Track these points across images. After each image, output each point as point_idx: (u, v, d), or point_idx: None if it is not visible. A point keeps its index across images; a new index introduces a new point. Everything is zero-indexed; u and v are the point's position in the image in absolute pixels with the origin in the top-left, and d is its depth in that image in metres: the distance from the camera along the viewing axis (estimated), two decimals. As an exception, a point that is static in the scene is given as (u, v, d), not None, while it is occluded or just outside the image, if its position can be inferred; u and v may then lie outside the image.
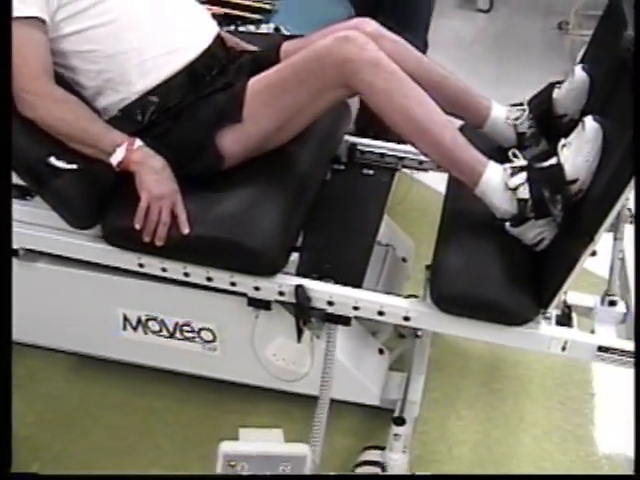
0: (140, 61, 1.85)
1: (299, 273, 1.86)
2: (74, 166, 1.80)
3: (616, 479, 2.08)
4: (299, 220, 1.92)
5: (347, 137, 2.33)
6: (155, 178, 1.76)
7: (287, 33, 3.07)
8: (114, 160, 1.76)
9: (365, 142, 2.35)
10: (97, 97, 1.88)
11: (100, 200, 1.87)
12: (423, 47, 3.31)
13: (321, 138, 2.05)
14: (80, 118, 1.78)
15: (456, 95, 1.95)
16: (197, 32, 1.97)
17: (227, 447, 0.56)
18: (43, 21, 1.76)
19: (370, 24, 1.96)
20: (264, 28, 3.17)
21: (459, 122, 1.97)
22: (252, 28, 3.18)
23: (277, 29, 3.13)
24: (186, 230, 1.75)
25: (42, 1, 1.75)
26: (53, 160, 1.78)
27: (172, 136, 1.84)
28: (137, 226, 1.77)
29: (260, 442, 0.61)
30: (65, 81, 1.85)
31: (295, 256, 1.87)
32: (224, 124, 1.82)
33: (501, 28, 5.15)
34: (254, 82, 1.82)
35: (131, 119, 1.87)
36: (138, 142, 1.78)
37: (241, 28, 3.16)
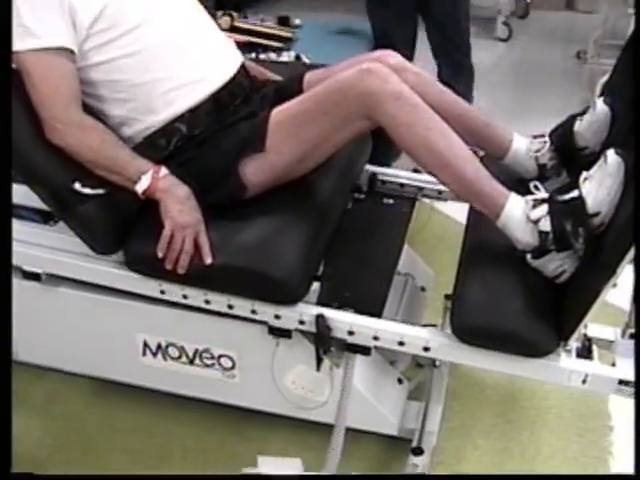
0: (165, 90, 1.87)
1: (320, 302, 1.87)
2: (100, 191, 1.81)
3: (616, 479, 2.07)
4: (320, 250, 1.93)
5: (368, 166, 2.34)
6: (179, 208, 1.77)
7: (307, 61, 3.11)
8: (139, 188, 1.78)
9: (385, 171, 2.36)
10: (122, 126, 1.90)
11: (123, 226, 1.88)
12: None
13: (342, 168, 2.07)
14: (107, 145, 1.80)
15: (478, 127, 1.96)
16: (222, 62, 1.99)
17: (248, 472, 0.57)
18: (72, 51, 1.79)
19: (393, 56, 1.97)
20: (285, 56, 3.21)
21: (480, 153, 1.98)
22: (273, 56, 3.22)
23: (298, 57, 3.17)
24: (209, 260, 1.77)
25: (71, 31, 1.78)
26: (78, 186, 1.79)
27: (196, 164, 1.86)
28: (160, 254, 1.78)
29: (279, 472, 0.61)
30: (90, 109, 1.87)
31: (316, 285, 1.88)
32: (247, 153, 1.83)
33: (519, 57, 5.18)
34: (277, 112, 1.84)
35: (155, 147, 1.89)
36: (163, 170, 1.80)
37: (262, 56, 3.21)
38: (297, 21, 3.57)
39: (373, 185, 2.34)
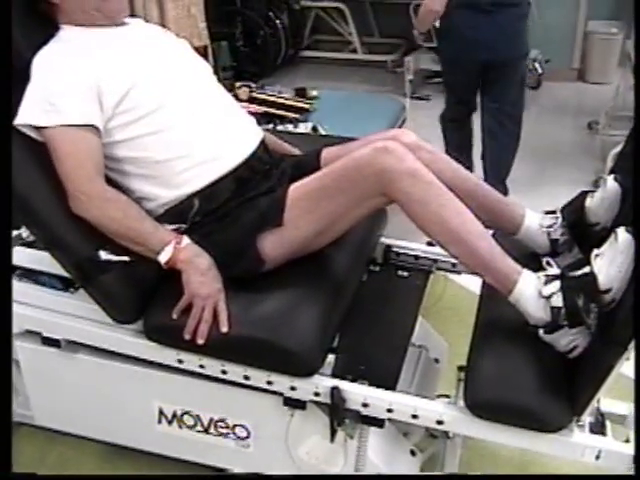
0: (186, 167, 1.92)
1: (334, 374, 1.88)
2: (124, 258, 1.85)
3: (616, 479, 2.04)
4: (336, 322, 1.95)
5: (383, 239, 2.37)
6: (201, 280, 1.80)
7: (324, 132, 3.17)
8: (162, 258, 1.81)
9: (400, 244, 2.39)
10: (143, 200, 1.94)
11: (143, 296, 1.91)
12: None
13: (358, 241, 2.10)
14: (129, 217, 1.83)
15: (491, 203, 1.99)
16: (243, 139, 2.04)
17: None
18: (97, 128, 1.84)
19: (408, 135, 2.02)
20: (302, 127, 3.27)
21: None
22: (290, 127, 3.27)
23: (315, 128, 3.22)
24: (225, 329, 1.79)
25: (97, 110, 1.84)
26: (102, 254, 1.83)
27: (216, 237, 1.89)
28: (174, 316, 1.81)
29: None
30: (113, 183, 1.91)
31: (331, 357, 1.90)
32: (265, 228, 1.87)
33: (531, 127, 5.21)
34: (295, 188, 1.88)
35: (175, 220, 1.93)
36: (186, 240, 1.84)
37: (279, 127, 3.26)
38: (314, 92, 3.64)
39: (388, 257, 2.37)
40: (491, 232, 1.89)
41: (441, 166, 1.93)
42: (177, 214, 1.94)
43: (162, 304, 1.88)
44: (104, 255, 1.83)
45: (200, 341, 1.80)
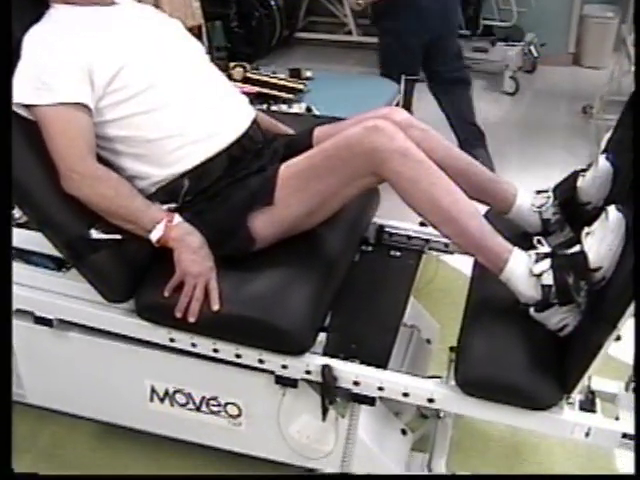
0: (178, 146, 1.91)
1: (326, 353, 1.89)
2: (116, 236, 1.85)
3: (616, 479, 2.05)
4: (328, 301, 1.95)
5: (375, 219, 2.37)
6: (192, 258, 1.80)
7: (318, 113, 3.16)
8: (153, 237, 1.81)
9: (392, 224, 2.39)
10: (135, 178, 1.94)
11: (135, 275, 1.91)
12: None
13: (350, 221, 2.10)
14: (121, 195, 1.83)
15: (482, 182, 1.99)
16: (235, 118, 2.03)
17: None
18: (88, 107, 1.84)
19: (400, 113, 2.02)
20: (296, 107, 3.26)
21: (484, 208, 2.01)
22: (284, 107, 3.26)
23: (309, 109, 3.22)
24: (216, 307, 1.79)
25: (88, 88, 1.83)
26: (94, 232, 1.83)
27: (207, 216, 1.89)
28: (166, 294, 1.82)
29: None
30: (105, 162, 1.91)
31: (322, 336, 1.90)
32: (256, 207, 1.87)
33: (526, 111, 5.24)
34: (286, 167, 1.88)
35: (166, 199, 1.93)
36: (177, 218, 1.84)
37: (273, 107, 3.25)
38: (308, 73, 3.63)
39: (380, 237, 2.37)
40: (483, 212, 1.91)
41: (432, 144, 1.93)
42: (169, 193, 1.93)
43: (154, 283, 1.88)
44: (95, 234, 1.83)
45: (191, 319, 1.80)
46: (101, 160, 1.89)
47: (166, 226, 1.81)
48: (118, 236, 1.85)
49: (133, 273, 1.92)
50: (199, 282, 1.79)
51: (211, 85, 2.07)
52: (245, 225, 1.86)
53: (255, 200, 1.87)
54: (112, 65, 1.86)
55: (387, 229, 2.38)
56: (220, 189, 1.93)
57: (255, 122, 2.08)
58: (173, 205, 1.93)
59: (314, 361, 1.83)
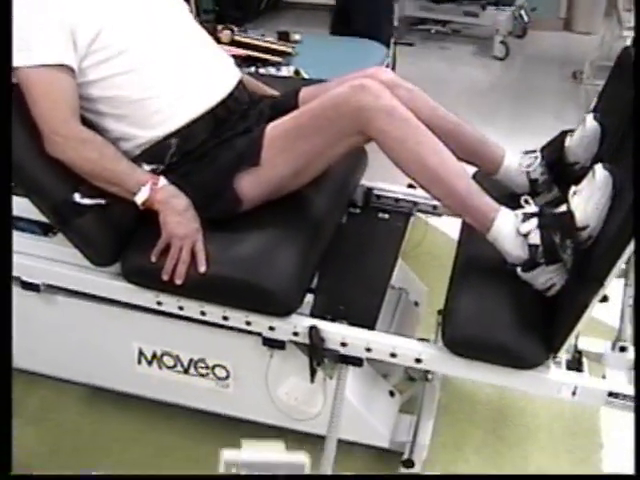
0: (162, 106, 1.89)
1: (313, 314, 1.89)
2: (100, 201, 1.84)
3: (616, 479, 2.07)
4: (314, 262, 1.95)
5: (363, 181, 2.36)
6: (178, 220, 1.79)
7: (306, 76, 3.13)
8: (138, 199, 1.79)
9: (380, 186, 2.38)
10: (119, 140, 1.92)
11: (121, 239, 1.90)
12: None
13: (338, 182, 2.09)
14: (105, 157, 1.81)
15: (470, 143, 1.98)
16: (220, 79, 2.01)
17: (228, 455, 0.58)
18: (71, 68, 1.81)
19: (386, 73, 2.01)
20: (284, 71, 3.23)
21: (472, 169, 2.00)
22: (272, 70, 3.24)
23: (297, 72, 3.19)
24: (203, 268, 1.78)
25: (71, 49, 1.81)
26: (78, 197, 1.82)
27: (193, 178, 1.88)
28: (153, 259, 1.81)
29: (261, 452, 0.63)
30: (89, 124, 1.89)
31: (309, 297, 1.90)
32: (242, 168, 1.85)
33: (516, 76, 5.22)
34: (272, 128, 1.86)
35: (151, 161, 1.91)
36: (162, 181, 1.82)
37: (261, 70, 3.22)
38: (297, 36, 3.59)
39: (368, 200, 2.36)
40: (471, 173, 1.90)
41: (419, 104, 1.92)
42: (154, 155, 1.91)
43: (140, 246, 1.87)
44: (79, 198, 1.82)
45: (178, 281, 1.80)
46: (85, 122, 1.87)
47: (151, 189, 1.79)
48: (102, 201, 1.84)
49: (119, 236, 1.91)
50: (185, 244, 1.78)
51: (196, 46, 2.04)
52: (231, 186, 1.85)
53: (241, 161, 1.86)
54: (94, 24, 1.83)
55: (375, 191, 2.37)
56: (206, 151, 1.91)
57: (241, 83, 2.06)
58: (159, 167, 1.91)
59: (301, 322, 1.83)
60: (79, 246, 1.90)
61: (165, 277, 1.80)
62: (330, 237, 2.06)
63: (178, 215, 1.80)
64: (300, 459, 0.57)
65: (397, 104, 1.73)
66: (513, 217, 1.69)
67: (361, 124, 1.73)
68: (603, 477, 2.15)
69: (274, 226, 1.89)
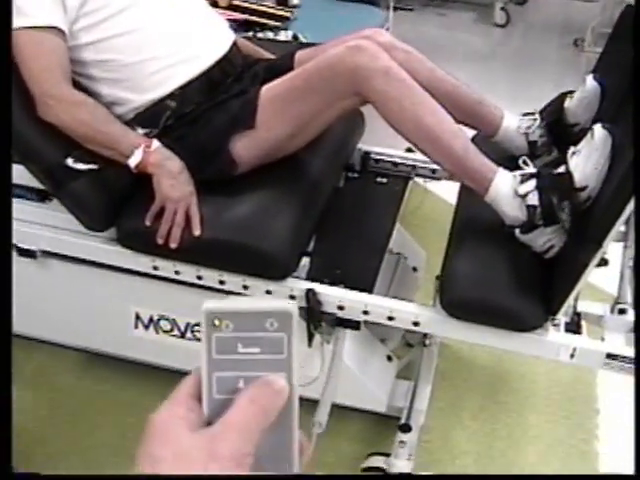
0: (156, 70, 1.88)
1: (309, 277, 1.88)
2: (92, 166, 1.82)
3: (616, 479, 2.08)
4: (310, 225, 1.94)
5: (360, 145, 2.34)
6: (172, 183, 1.78)
7: (305, 41, 3.10)
8: (132, 162, 1.78)
9: (378, 150, 2.36)
10: (113, 104, 1.90)
11: (116, 203, 1.89)
12: None
13: (334, 146, 2.07)
14: (98, 120, 1.80)
15: (468, 105, 1.96)
16: (214, 41, 2.00)
17: (211, 305, 0.57)
18: (62, 30, 1.80)
19: (383, 34, 1.98)
20: (282, 35, 3.20)
21: (471, 131, 1.98)
22: (270, 35, 3.21)
23: (295, 37, 3.16)
24: (197, 232, 1.77)
25: (61, 11, 1.79)
26: (70, 162, 1.80)
27: (188, 141, 1.87)
28: (147, 223, 1.80)
29: (243, 299, 0.62)
30: (82, 89, 1.87)
31: (306, 261, 1.89)
32: (237, 130, 1.84)
33: (517, 43, 5.18)
34: (267, 89, 1.84)
35: (146, 124, 1.90)
36: (155, 143, 1.81)
37: (259, 35, 3.19)
38: (295, 1, 3.55)
39: (366, 164, 2.34)
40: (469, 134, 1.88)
41: (416, 65, 1.89)
42: (148, 118, 1.90)
43: (134, 210, 1.86)
44: (72, 164, 1.80)
45: (173, 245, 1.78)
46: (78, 87, 1.85)
47: (144, 151, 1.78)
48: (94, 166, 1.82)
49: (113, 201, 1.89)
50: (180, 207, 1.77)
51: (189, 8, 2.02)
52: (227, 148, 1.84)
53: (237, 123, 1.84)
54: None
55: (373, 155, 2.34)
56: (201, 113, 1.89)
57: (235, 46, 2.05)
58: (152, 131, 1.90)
59: (298, 286, 1.82)
60: (73, 211, 1.89)
61: (160, 241, 1.79)
62: (326, 200, 2.04)
63: (172, 178, 1.79)
64: (287, 306, 0.56)
65: (393, 65, 1.71)
66: (511, 178, 1.68)
67: (357, 84, 1.71)
68: (603, 477, 2.16)
69: (270, 189, 1.88)
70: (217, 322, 0.59)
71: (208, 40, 1.99)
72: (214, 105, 1.90)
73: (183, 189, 1.79)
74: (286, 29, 3.23)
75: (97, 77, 1.89)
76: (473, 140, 1.85)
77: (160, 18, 1.92)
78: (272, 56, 2.24)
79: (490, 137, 1.97)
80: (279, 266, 1.81)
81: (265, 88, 1.85)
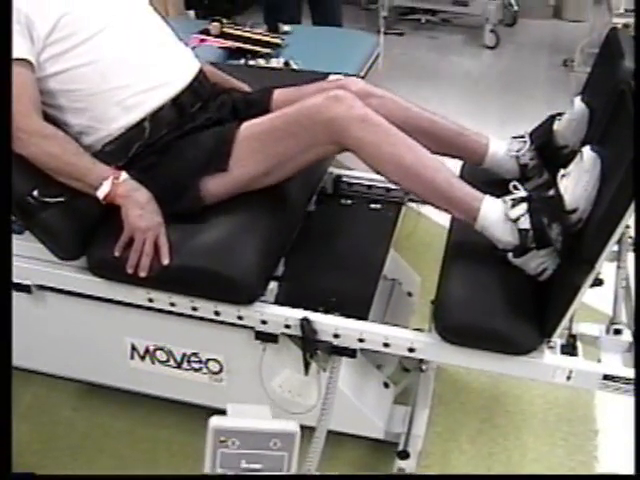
0: (123, 98, 1.90)
1: (278, 301, 1.89)
2: (60, 199, 1.83)
3: (616, 479, 2.07)
4: (278, 250, 1.96)
5: (331, 169, 2.37)
6: (139, 213, 1.79)
7: (296, 67, 3.13)
8: (100, 193, 1.79)
9: (350, 174, 2.39)
10: (82, 134, 1.92)
11: (86, 232, 1.90)
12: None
13: (304, 170, 2.07)
14: (67, 153, 1.81)
15: (450, 137, 2.00)
16: (179, 69, 2.02)
17: (217, 422, 0.57)
18: (30, 62, 1.81)
19: (357, 83, 2.03)
20: (274, 62, 3.22)
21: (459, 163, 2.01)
22: (262, 62, 3.23)
23: (287, 63, 3.18)
24: (166, 261, 1.79)
25: (28, 42, 1.81)
26: (36, 194, 1.80)
27: (157, 171, 1.89)
28: (116, 254, 1.81)
29: (249, 418, 0.62)
30: (51, 119, 1.88)
31: (274, 285, 1.90)
32: (209, 172, 1.86)
33: (507, 65, 5.21)
34: (245, 128, 1.87)
35: (115, 154, 1.91)
36: (124, 175, 1.82)
37: (251, 62, 3.22)
38: (286, 27, 3.58)
39: (338, 188, 2.38)
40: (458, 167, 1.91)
41: (391, 107, 1.96)
42: (117, 147, 1.92)
43: (105, 239, 1.87)
44: (39, 196, 1.81)
45: (142, 274, 1.80)
46: (46, 117, 1.86)
47: (113, 183, 1.79)
48: (61, 199, 1.84)
49: (84, 230, 1.90)
50: (148, 237, 1.78)
51: (154, 37, 2.04)
52: (196, 186, 1.86)
53: (209, 163, 1.86)
54: (51, 15, 1.83)
55: (344, 179, 2.39)
56: (169, 141, 1.92)
57: (201, 73, 2.08)
58: (122, 160, 1.91)
59: (293, 315, 1.82)
60: (44, 240, 1.89)
61: (130, 270, 1.80)
62: (297, 224, 2.07)
63: (140, 208, 1.80)
64: (291, 427, 0.56)
65: (369, 111, 1.76)
66: (500, 203, 1.69)
67: (335, 134, 1.76)
68: (603, 477, 2.15)
69: (238, 214, 1.89)
70: (223, 439, 0.60)
71: (174, 68, 2.01)
72: (184, 134, 1.92)
73: (151, 219, 1.80)
74: (277, 56, 3.26)
75: (65, 107, 1.91)
76: (462, 170, 1.88)
77: (125, 47, 1.94)
78: (245, 85, 2.29)
79: (478, 165, 1.99)
80: (244, 291, 1.82)
81: (243, 127, 1.87)
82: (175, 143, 1.91)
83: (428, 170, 1.73)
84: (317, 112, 1.76)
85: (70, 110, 1.90)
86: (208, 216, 1.87)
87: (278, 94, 2.11)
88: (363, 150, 1.75)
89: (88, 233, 1.90)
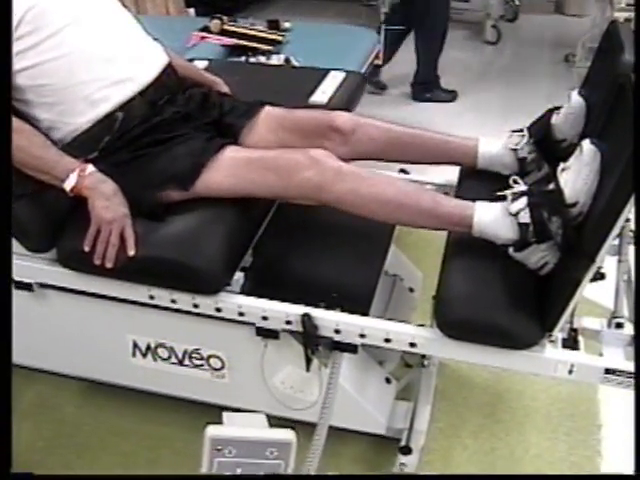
0: (89, 93, 1.90)
1: (243, 291, 1.90)
2: (24, 192, 1.85)
3: (616, 479, 2.07)
4: (244, 240, 1.98)
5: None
6: (105, 205, 1.80)
7: (297, 64, 3.13)
8: (67, 186, 1.81)
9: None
10: (51, 129, 1.93)
11: (55, 224, 1.92)
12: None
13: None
14: (35, 146, 1.82)
15: (437, 145, 2.02)
16: (146, 63, 2.03)
17: (214, 431, 0.58)
18: None
19: (341, 117, 2.05)
20: (274, 59, 3.23)
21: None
22: (262, 59, 3.23)
23: (287, 60, 3.18)
24: (132, 252, 1.81)
25: None
26: None
27: (126, 169, 1.90)
28: (86, 248, 1.82)
29: (246, 427, 0.63)
30: (20, 114, 1.89)
31: (239, 275, 1.91)
32: (175, 188, 1.88)
33: (508, 60, 5.21)
34: (226, 153, 1.89)
35: (84, 147, 1.92)
36: (90, 168, 1.83)
37: (252, 59, 3.22)
38: (287, 24, 3.58)
39: None
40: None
41: (373, 133, 2.02)
42: (86, 141, 1.93)
43: (73, 231, 1.88)
44: None
45: (108, 265, 1.82)
46: (15, 113, 1.87)
47: (79, 175, 1.81)
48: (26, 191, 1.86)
49: (53, 222, 1.92)
50: (114, 228, 1.80)
51: (121, 31, 2.04)
52: (159, 195, 1.88)
53: (176, 181, 1.88)
54: (17, 9, 1.83)
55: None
56: (139, 136, 1.94)
57: (169, 67, 2.09)
58: (92, 154, 1.93)
59: (294, 311, 1.82)
60: (13, 233, 1.89)
61: (97, 261, 1.82)
62: (266, 214, 2.10)
63: (106, 200, 1.81)
64: (287, 436, 0.57)
65: (342, 164, 1.79)
66: (493, 205, 1.70)
67: (312, 195, 1.80)
68: (603, 477, 2.14)
69: (204, 206, 1.90)
70: (220, 447, 0.60)
71: (141, 63, 2.02)
72: (153, 127, 1.95)
73: (117, 210, 1.82)
74: (278, 53, 3.26)
75: (33, 102, 1.92)
76: (460, 174, 1.94)
77: (92, 41, 1.94)
78: (218, 80, 2.32)
79: (473, 167, 2.02)
80: (209, 281, 1.84)
81: (226, 151, 1.90)
82: (152, 148, 1.92)
83: (411, 196, 1.76)
84: (295, 172, 1.79)
85: (39, 105, 1.92)
86: (175, 208, 1.88)
87: (269, 111, 2.12)
88: (344, 202, 1.79)
89: (57, 225, 1.92)
